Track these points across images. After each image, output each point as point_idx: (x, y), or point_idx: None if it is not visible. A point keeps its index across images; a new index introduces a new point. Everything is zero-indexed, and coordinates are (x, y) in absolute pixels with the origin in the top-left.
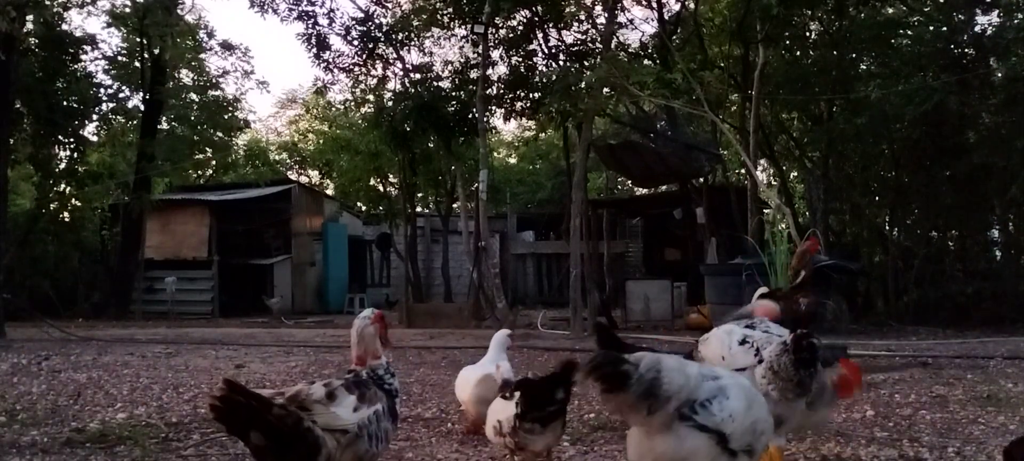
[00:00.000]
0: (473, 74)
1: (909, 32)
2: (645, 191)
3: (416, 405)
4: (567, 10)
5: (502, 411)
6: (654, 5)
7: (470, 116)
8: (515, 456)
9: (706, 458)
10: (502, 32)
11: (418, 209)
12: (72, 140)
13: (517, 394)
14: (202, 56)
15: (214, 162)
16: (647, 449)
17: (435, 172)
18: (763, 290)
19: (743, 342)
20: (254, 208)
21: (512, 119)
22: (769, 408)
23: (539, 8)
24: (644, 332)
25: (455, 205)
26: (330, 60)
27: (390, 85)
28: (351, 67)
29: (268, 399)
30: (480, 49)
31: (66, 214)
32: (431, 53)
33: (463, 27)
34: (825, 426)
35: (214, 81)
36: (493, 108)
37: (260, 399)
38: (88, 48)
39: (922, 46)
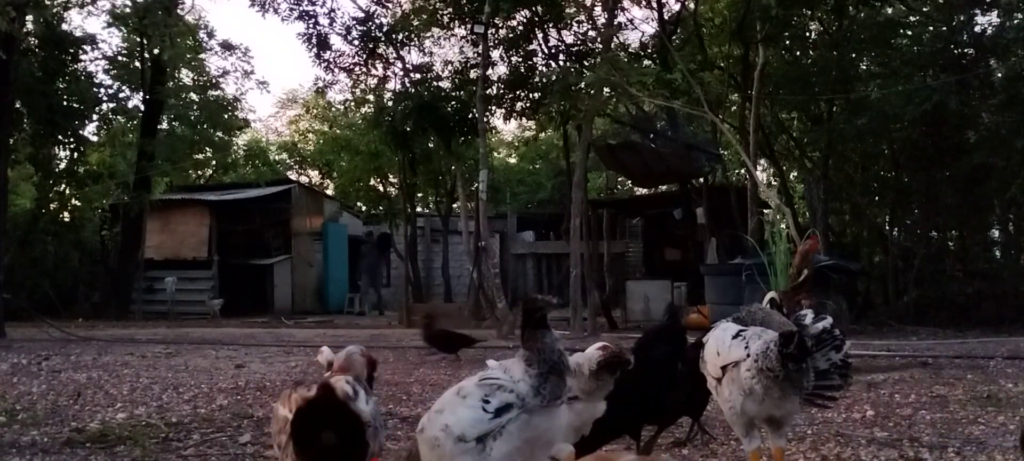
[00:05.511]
0: (473, 74)
1: (909, 32)
2: (645, 191)
3: (416, 405)
4: (567, 10)
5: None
6: (654, 5)
7: (470, 116)
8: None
9: None
10: (502, 32)
11: (418, 209)
12: (72, 140)
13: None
14: (202, 56)
15: (214, 162)
16: None
17: (435, 172)
18: (772, 295)
19: (736, 336)
20: (254, 208)
21: (512, 119)
22: (756, 405)
23: (539, 8)
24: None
25: (455, 205)
26: (330, 60)
27: (390, 85)
28: (351, 67)
29: (343, 398)
30: (480, 49)
31: (66, 214)
32: (431, 53)
33: (463, 27)
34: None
35: (214, 81)
36: (493, 108)
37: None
38: (88, 48)
39: (922, 46)
